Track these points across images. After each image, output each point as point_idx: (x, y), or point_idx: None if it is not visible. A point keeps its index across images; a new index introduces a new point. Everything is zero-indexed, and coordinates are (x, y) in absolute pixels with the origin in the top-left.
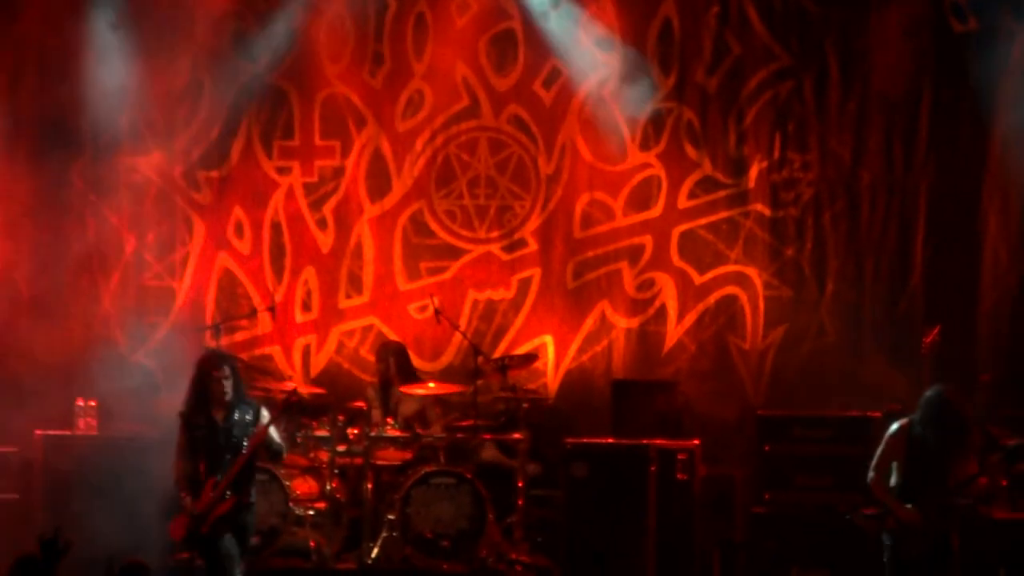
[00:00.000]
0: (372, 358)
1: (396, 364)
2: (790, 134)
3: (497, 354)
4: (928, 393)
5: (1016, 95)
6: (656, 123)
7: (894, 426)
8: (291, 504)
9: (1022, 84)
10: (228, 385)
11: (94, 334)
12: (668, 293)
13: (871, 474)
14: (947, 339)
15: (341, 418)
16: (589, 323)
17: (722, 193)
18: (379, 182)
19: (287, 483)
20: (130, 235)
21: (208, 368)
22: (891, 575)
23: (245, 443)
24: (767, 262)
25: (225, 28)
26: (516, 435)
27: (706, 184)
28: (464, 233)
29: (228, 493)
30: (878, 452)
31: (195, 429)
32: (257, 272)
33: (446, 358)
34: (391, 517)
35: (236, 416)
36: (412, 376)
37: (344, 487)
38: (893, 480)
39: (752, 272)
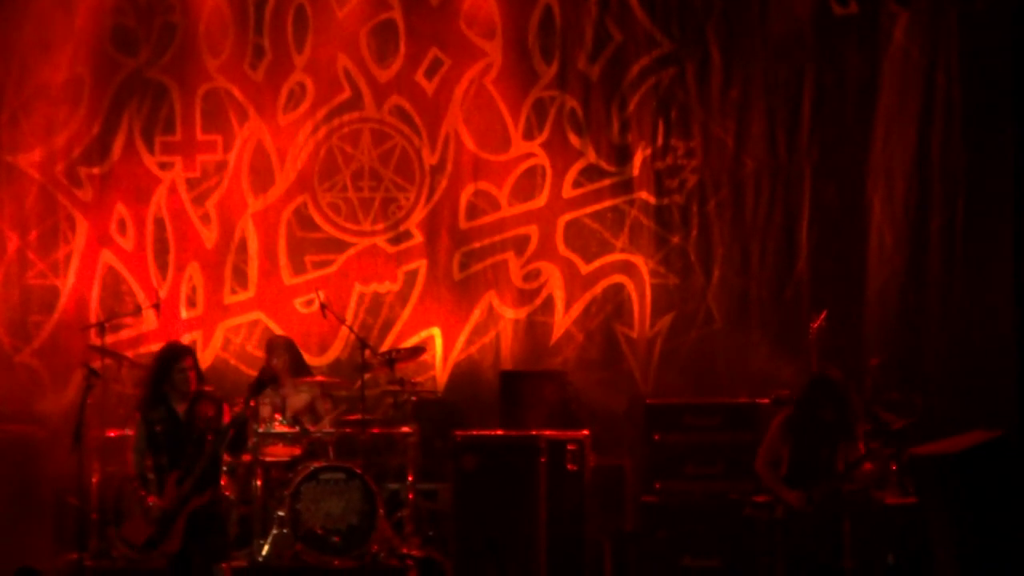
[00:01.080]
0: (259, 353)
1: (288, 359)
2: (673, 121)
3: (384, 347)
4: (811, 377)
5: (897, 78)
6: (539, 112)
7: (780, 415)
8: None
9: (903, 66)
10: (192, 376)
11: None
12: (555, 283)
13: (759, 461)
14: (834, 324)
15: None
16: (476, 314)
17: (607, 181)
18: (262, 176)
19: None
20: (12, 233)
21: (171, 360)
22: (781, 561)
23: (208, 436)
24: (653, 250)
25: (105, 23)
26: (405, 429)
27: (590, 173)
28: (349, 226)
29: (202, 488)
30: (765, 439)
31: (154, 423)
32: (141, 269)
33: (333, 352)
34: (281, 514)
35: (198, 408)
36: (304, 371)
37: (233, 484)
38: (782, 467)
39: (638, 260)
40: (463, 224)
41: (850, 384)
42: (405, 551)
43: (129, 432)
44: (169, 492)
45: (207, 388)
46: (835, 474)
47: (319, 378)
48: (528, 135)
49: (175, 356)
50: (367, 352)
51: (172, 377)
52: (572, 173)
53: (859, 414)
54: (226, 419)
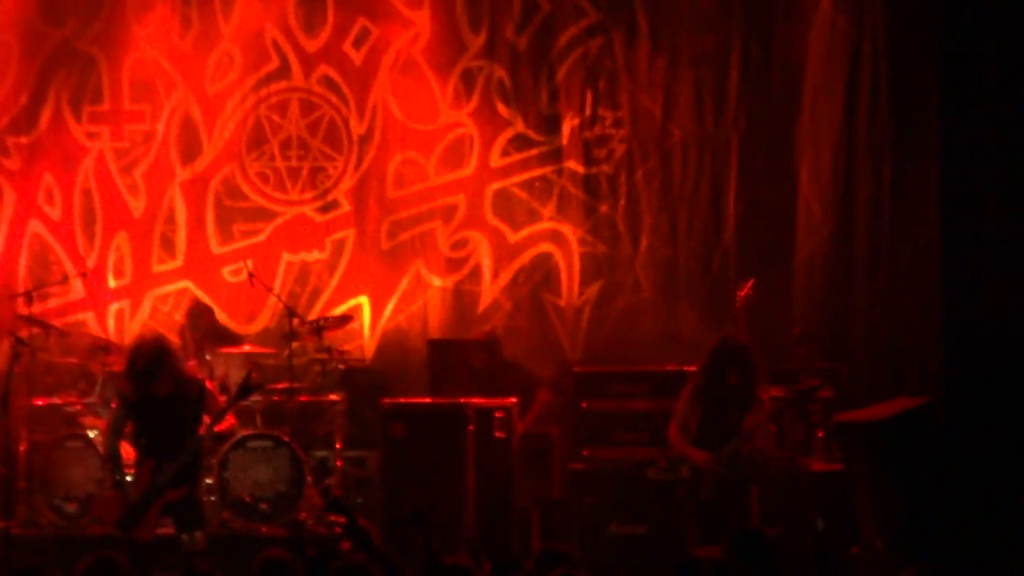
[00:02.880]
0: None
1: (205, 327)
2: (601, 91)
3: (312, 316)
4: (715, 343)
5: (824, 48)
6: (467, 82)
7: (691, 380)
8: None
9: (830, 35)
10: (171, 377)
11: None
12: (483, 252)
13: (670, 427)
14: (761, 293)
15: None
16: (404, 283)
17: (535, 151)
18: (190, 146)
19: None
20: None
21: (154, 361)
22: (690, 522)
23: (186, 422)
24: (581, 219)
25: None
26: (332, 396)
27: (518, 142)
28: (277, 195)
29: (179, 482)
30: (677, 405)
31: (133, 407)
32: (69, 238)
33: (261, 321)
34: (209, 481)
35: (178, 394)
36: (224, 338)
37: None
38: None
39: (566, 229)
40: (391, 193)
41: (754, 349)
42: (333, 518)
43: (57, 400)
44: (143, 478)
45: (188, 370)
46: (741, 435)
47: (243, 351)
48: (456, 105)
49: (159, 356)
50: (295, 321)
51: (154, 377)
52: (500, 142)
53: (763, 378)
54: (209, 401)
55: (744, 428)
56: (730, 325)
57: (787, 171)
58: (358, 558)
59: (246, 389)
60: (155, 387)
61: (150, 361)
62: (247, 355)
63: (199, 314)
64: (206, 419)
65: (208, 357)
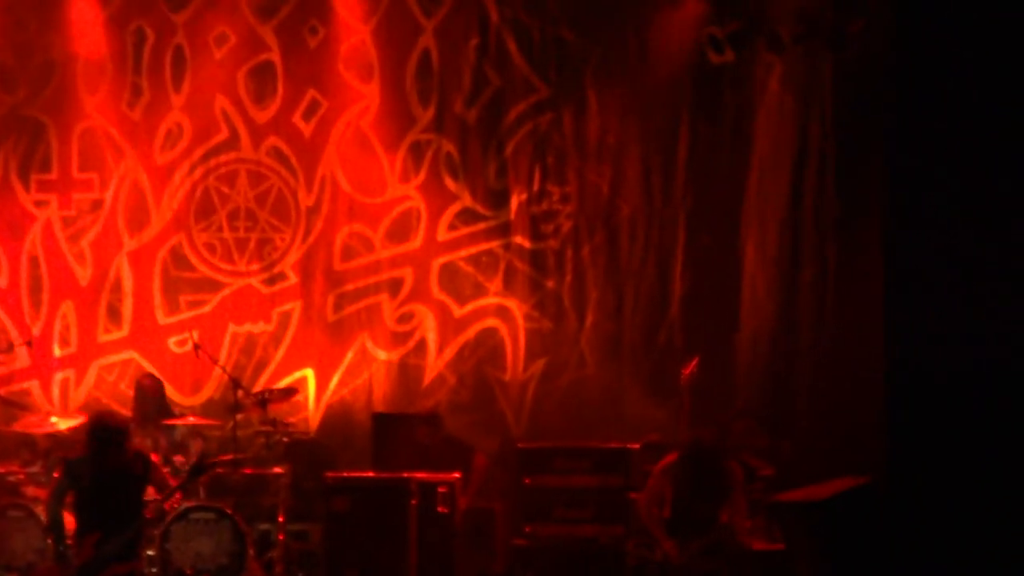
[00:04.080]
0: (132, 392)
1: (154, 399)
2: (549, 166)
3: (257, 388)
4: (688, 442)
5: (772, 127)
6: (416, 155)
7: (664, 460)
8: (48, 540)
9: (778, 115)
10: (125, 458)
11: None
12: (428, 325)
13: (642, 507)
14: (706, 369)
15: None
16: (350, 356)
17: (482, 225)
18: (138, 215)
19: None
20: None
21: (106, 440)
22: None
23: (131, 495)
24: (527, 294)
25: None
26: (276, 469)
27: (466, 216)
28: (224, 266)
29: (127, 556)
30: (648, 484)
31: (78, 478)
32: (14, 306)
33: (206, 392)
34: (150, 553)
35: (125, 469)
36: (167, 412)
37: None
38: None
39: (512, 304)
40: (338, 266)
41: (723, 446)
42: None
43: None
44: (86, 551)
45: (134, 446)
46: (715, 528)
47: (190, 418)
48: (404, 178)
49: (105, 435)
50: (240, 392)
51: (102, 453)
52: (448, 216)
53: (734, 475)
54: (154, 475)
55: (719, 520)
56: (674, 402)
57: (733, 247)
58: None
59: (198, 469)
60: (109, 462)
61: (112, 436)
62: (192, 427)
63: (149, 386)
64: (151, 491)
65: (152, 429)
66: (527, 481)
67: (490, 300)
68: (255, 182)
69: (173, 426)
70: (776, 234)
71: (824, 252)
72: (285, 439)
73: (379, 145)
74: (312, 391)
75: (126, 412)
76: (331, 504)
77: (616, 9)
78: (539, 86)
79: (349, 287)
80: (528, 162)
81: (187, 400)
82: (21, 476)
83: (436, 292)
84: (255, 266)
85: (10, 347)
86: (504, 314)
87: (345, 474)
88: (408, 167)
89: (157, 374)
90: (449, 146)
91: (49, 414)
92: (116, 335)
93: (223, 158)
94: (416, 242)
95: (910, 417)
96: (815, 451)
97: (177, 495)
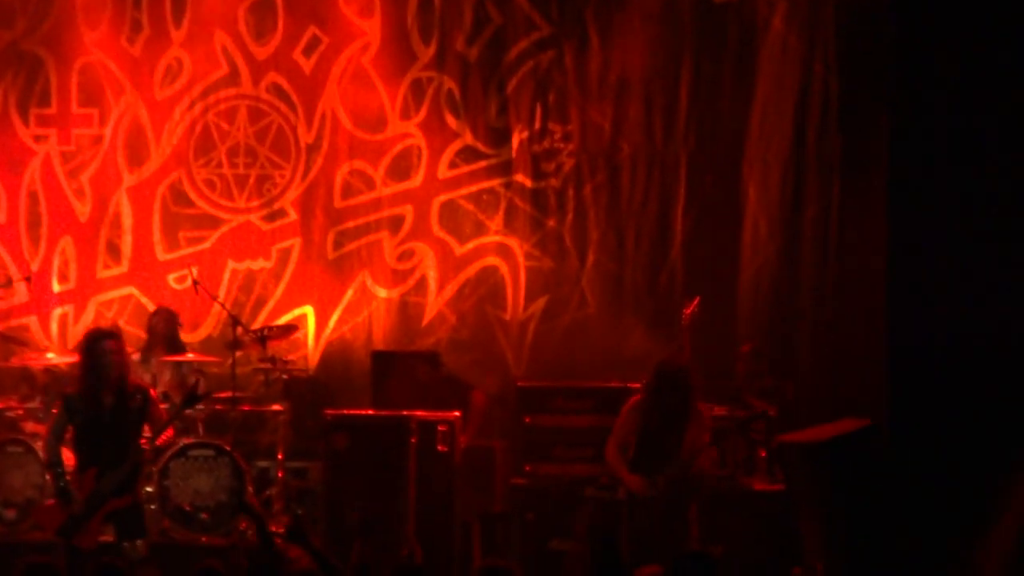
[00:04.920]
0: (131, 328)
1: (165, 331)
2: (551, 105)
3: (257, 325)
4: (656, 365)
5: (775, 66)
6: (417, 92)
7: (631, 400)
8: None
9: (781, 54)
10: (115, 360)
11: None
12: (428, 264)
13: (608, 446)
14: (707, 310)
15: None
16: (349, 294)
17: (483, 163)
18: (138, 151)
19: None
20: None
21: (93, 345)
22: (626, 544)
23: (129, 430)
24: (528, 233)
25: None
26: (275, 407)
27: (467, 154)
28: (224, 202)
29: (122, 491)
30: (616, 424)
31: (76, 413)
32: (13, 241)
33: (205, 329)
34: (149, 490)
35: (123, 402)
36: (178, 347)
37: None
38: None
39: (513, 243)
40: (338, 203)
41: (695, 370)
42: (273, 528)
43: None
44: (86, 486)
45: (132, 380)
46: (679, 460)
47: (190, 355)
48: (405, 115)
49: (97, 339)
50: (239, 329)
51: (98, 363)
52: (448, 154)
53: (695, 398)
54: (152, 410)
55: (683, 450)
56: (675, 342)
57: (735, 188)
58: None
59: (192, 398)
60: (108, 372)
61: (108, 340)
62: (191, 363)
63: (162, 319)
64: (148, 427)
65: (153, 364)
66: (527, 420)
67: (491, 238)
68: (255, 118)
69: (175, 363)
70: (779, 174)
71: (827, 191)
72: (284, 376)
73: (380, 82)
74: (312, 329)
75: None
76: (330, 442)
77: None
78: (541, 24)
79: (349, 224)
80: (529, 100)
81: (186, 337)
82: (20, 412)
83: (437, 230)
84: (255, 203)
85: (9, 282)
86: (505, 252)
87: (344, 412)
88: (409, 104)
89: (152, 309)
90: (450, 83)
91: (47, 350)
92: (115, 271)
93: (223, 94)
94: (417, 180)
95: (913, 359)
96: (818, 392)
97: (169, 429)
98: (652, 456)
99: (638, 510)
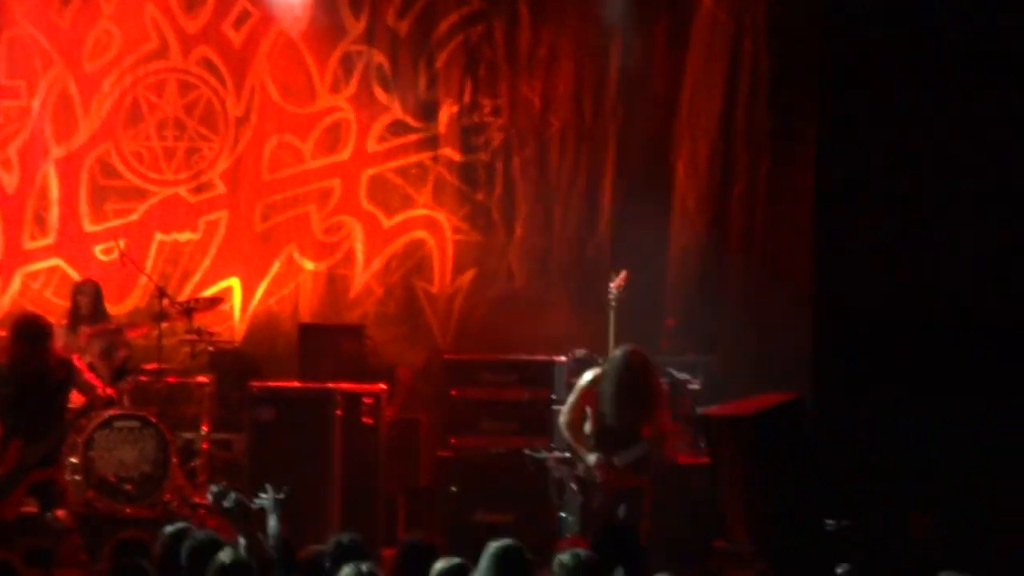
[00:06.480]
0: (56, 300)
1: (90, 302)
2: (480, 79)
3: (183, 297)
4: (614, 353)
5: (705, 42)
6: (346, 66)
7: (587, 375)
8: None
9: (710, 32)
10: (50, 356)
11: None
12: (356, 236)
13: (564, 418)
14: (634, 284)
15: None
16: (276, 266)
17: (412, 137)
18: (66, 123)
19: None
20: None
21: (32, 339)
22: (578, 522)
23: (54, 402)
24: (456, 207)
25: None
26: (201, 378)
27: (396, 128)
28: (151, 175)
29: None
30: (571, 399)
31: (2, 385)
32: None
33: (132, 301)
34: (74, 460)
35: (47, 375)
36: (103, 316)
37: None
38: (587, 427)
39: (441, 216)
40: (266, 176)
41: (651, 363)
42: (197, 500)
43: None
44: (10, 457)
45: (56, 353)
46: (642, 442)
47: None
48: (335, 89)
49: (36, 338)
50: (165, 301)
51: (27, 353)
52: (378, 128)
53: (658, 391)
54: (78, 379)
55: (643, 434)
56: (602, 316)
57: (663, 164)
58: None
59: (121, 372)
60: (33, 363)
61: (37, 334)
62: (117, 335)
63: (87, 291)
64: (75, 396)
65: (78, 335)
66: (453, 393)
67: (419, 212)
68: (184, 91)
69: (101, 332)
70: (707, 149)
71: (755, 167)
72: (210, 348)
73: (310, 55)
74: (238, 300)
75: (54, 320)
76: (256, 414)
77: None
78: None
79: (277, 197)
80: (459, 74)
81: (112, 308)
82: None
83: (365, 203)
84: (183, 175)
85: None
86: (432, 226)
87: (270, 384)
88: (339, 78)
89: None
90: (380, 57)
91: None
92: (42, 242)
93: (152, 67)
94: (345, 153)
95: (837, 334)
96: (743, 366)
97: (110, 390)
98: (611, 436)
99: (593, 496)
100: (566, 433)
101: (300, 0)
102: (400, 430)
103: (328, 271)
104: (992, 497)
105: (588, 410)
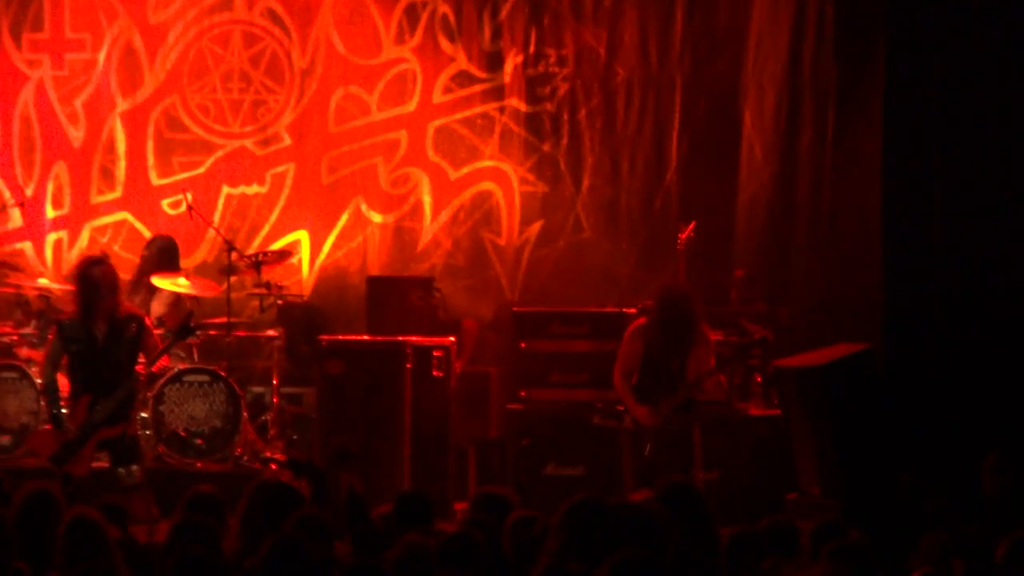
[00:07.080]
0: (125, 254)
1: (158, 254)
2: (545, 28)
3: (251, 250)
4: (659, 291)
5: None
6: (411, 17)
7: (633, 324)
8: (42, 402)
9: None
10: (106, 287)
11: None
12: (423, 189)
13: (615, 372)
14: (702, 235)
15: None
16: (344, 219)
17: (477, 88)
18: (131, 76)
19: (39, 380)
20: None
21: (84, 270)
22: (632, 473)
23: (123, 358)
24: (523, 158)
25: None
26: (270, 332)
27: (461, 79)
28: (218, 127)
29: (115, 420)
30: (620, 350)
31: (71, 341)
32: (7, 167)
33: (200, 255)
34: (144, 415)
35: (117, 330)
36: (174, 268)
37: None
38: (634, 377)
39: (508, 168)
40: (332, 128)
41: (692, 296)
42: (268, 454)
43: None
44: (79, 414)
45: (126, 307)
46: (684, 385)
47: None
48: (399, 40)
49: (87, 267)
50: (233, 255)
51: (89, 290)
52: (443, 79)
53: (700, 325)
54: (146, 338)
55: (688, 375)
56: (671, 267)
57: (730, 113)
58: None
59: (184, 331)
60: (101, 305)
61: (103, 277)
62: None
63: (161, 247)
64: (142, 356)
65: (148, 291)
66: (522, 345)
67: (485, 163)
68: (249, 43)
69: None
70: (774, 98)
71: (823, 116)
72: (279, 302)
73: (374, 6)
74: (306, 254)
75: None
76: (325, 367)
77: None
78: None
79: (343, 149)
80: (524, 24)
81: (181, 262)
82: (15, 337)
83: (431, 155)
84: (249, 128)
85: (2, 208)
86: (499, 177)
87: (339, 337)
88: (403, 29)
89: (148, 234)
90: (445, 8)
91: (41, 275)
92: (109, 196)
93: (217, 19)
94: (411, 105)
95: (908, 284)
96: (813, 317)
97: (164, 358)
98: (657, 382)
99: (643, 444)
100: (616, 384)
101: None
102: (470, 383)
103: (396, 223)
104: None
105: (634, 361)
